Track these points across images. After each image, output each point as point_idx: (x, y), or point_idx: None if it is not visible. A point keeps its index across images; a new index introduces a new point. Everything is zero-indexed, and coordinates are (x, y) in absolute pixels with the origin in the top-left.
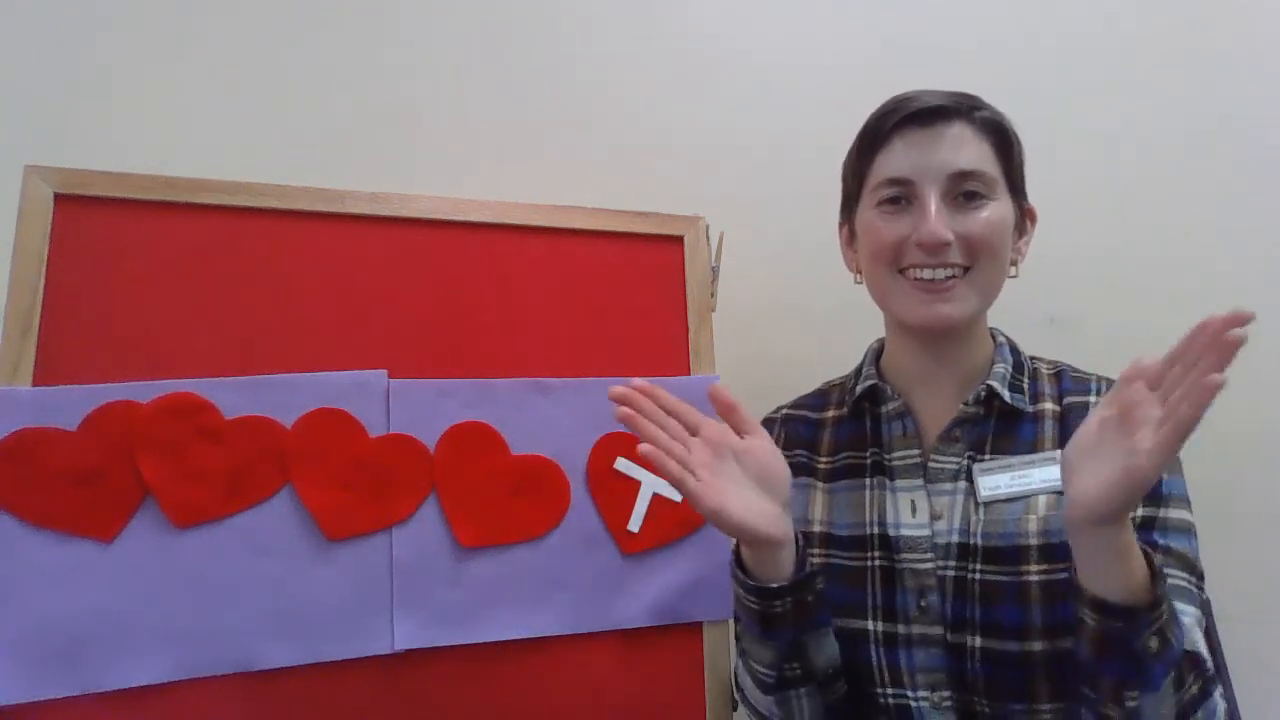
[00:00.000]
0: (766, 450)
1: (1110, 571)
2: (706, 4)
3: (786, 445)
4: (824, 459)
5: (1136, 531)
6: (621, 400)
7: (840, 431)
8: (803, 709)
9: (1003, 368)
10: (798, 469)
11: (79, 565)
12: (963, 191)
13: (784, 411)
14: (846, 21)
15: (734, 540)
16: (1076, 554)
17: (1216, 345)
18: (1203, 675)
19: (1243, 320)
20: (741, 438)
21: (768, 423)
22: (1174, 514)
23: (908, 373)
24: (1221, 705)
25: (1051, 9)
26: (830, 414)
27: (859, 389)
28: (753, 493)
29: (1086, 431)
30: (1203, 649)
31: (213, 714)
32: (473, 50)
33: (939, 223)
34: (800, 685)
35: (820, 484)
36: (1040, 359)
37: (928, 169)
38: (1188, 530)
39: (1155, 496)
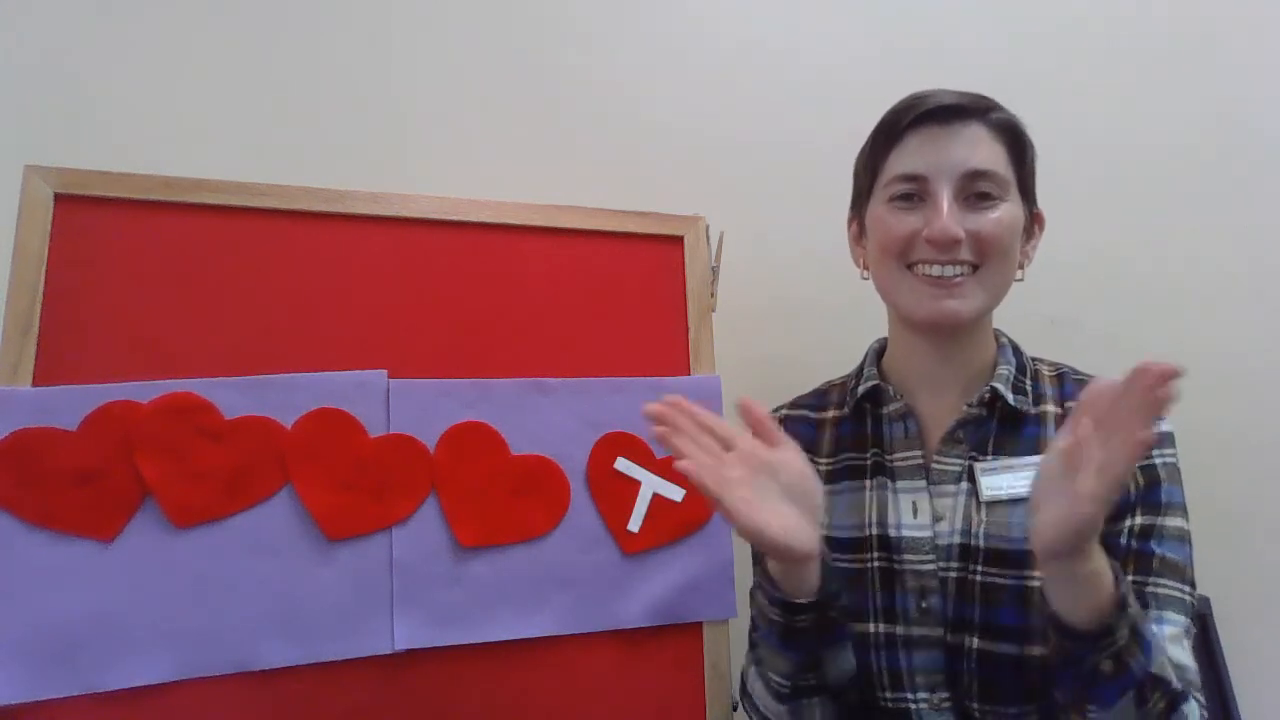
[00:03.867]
0: (798, 463)
1: (1069, 596)
2: (707, 4)
3: None
4: (824, 460)
5: (1135, 539)
6: (657, 418)
7: (840, 432)
8: (814, 716)
9: (1006, 369)
10: None
11: (79, 565)
12: (975, 191)
13: (784, 412)
14: (848, 21)
15: (743, 544)
16: (1042, 575)
17: (1148, 401)
18: (1169, 694)
19: (1173, 375)
20: (771, 450)
21: None
22: (1171, 522)
23: (911, 373)
24: (1194, 716)
25: (1053, 9)
26: (830, 414)
27: (860, 389)
28: (787, 507)
29: (1048, 465)
30: (1184, 659)
31: (213, 714)
32: (473, 50)
33: (951, 219)
34: (814, 695)
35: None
36: (1042, 360)
37: (942, 166)
38: (1183, 539)
39: (1155, 505)
